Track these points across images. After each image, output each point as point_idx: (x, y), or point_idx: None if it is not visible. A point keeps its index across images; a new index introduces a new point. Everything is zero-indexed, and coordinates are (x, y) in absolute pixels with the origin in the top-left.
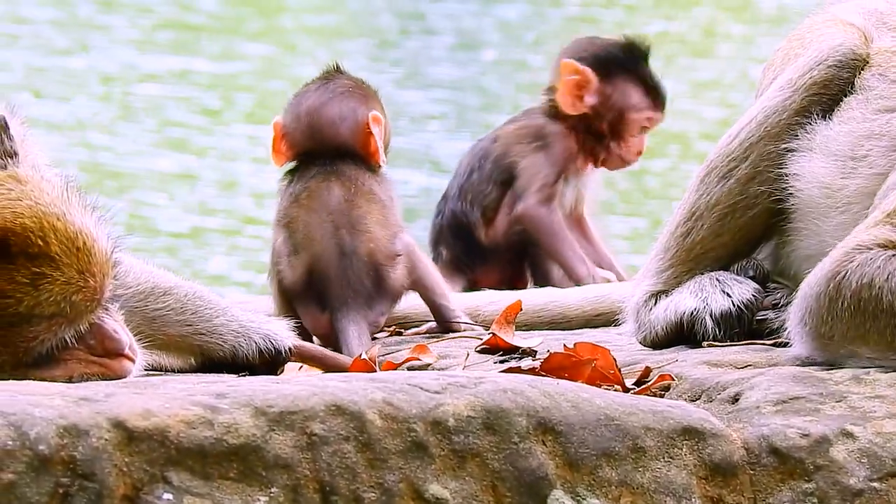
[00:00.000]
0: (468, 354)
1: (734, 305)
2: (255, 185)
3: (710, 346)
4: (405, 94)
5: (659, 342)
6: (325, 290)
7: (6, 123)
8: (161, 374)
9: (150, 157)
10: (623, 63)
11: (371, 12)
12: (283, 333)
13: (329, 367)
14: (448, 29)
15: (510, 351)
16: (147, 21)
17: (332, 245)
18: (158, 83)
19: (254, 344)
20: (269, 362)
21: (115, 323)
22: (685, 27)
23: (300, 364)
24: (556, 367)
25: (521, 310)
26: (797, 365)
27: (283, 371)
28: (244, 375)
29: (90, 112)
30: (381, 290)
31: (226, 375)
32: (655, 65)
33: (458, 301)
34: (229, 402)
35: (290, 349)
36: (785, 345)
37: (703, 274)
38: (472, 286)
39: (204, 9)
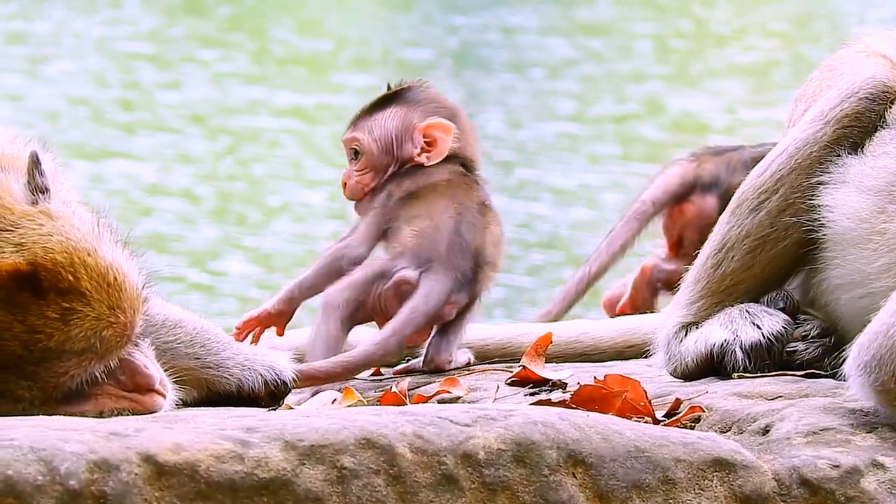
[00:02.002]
0: (498, 387)
1: (764, 337)
2: None
3: (740, 377)
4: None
5: (689, 374)
6: None
7: (37, 159)
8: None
9: (258, 189)
10: None
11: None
12: (285, 365)
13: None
14: (533, 60)
15: (540, 383)
16: (239, 54)
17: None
18: (254, 116)
19: (259, 376)
20: (274, 393)
21: (146, 358)
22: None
23: (333, 398)
24: (586, 399)
25: (552, 342)
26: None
27: (283, 404)
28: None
29: (195, 145)
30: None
31: (255, 409)
32: None
33: (490, 333)
34: (259, 436)
35: (292, 380)
36: (815, 376)
37: (733, 306)
38: None
39: (290, 42)
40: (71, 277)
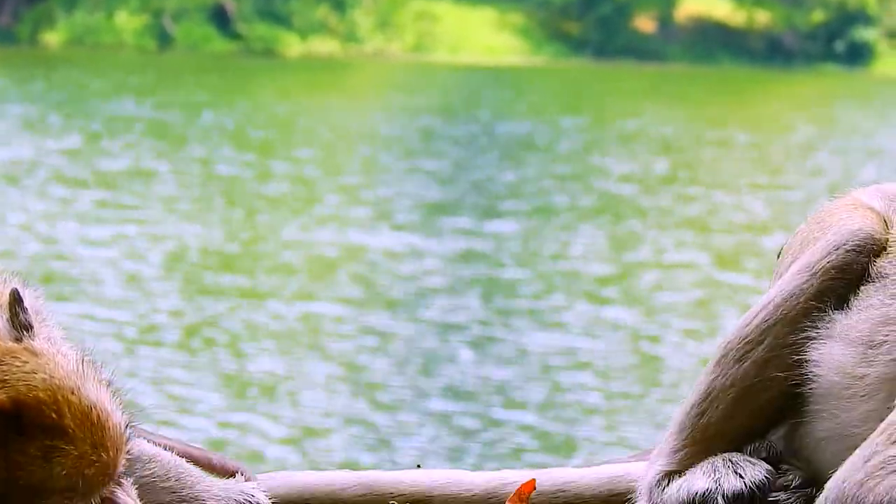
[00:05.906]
0: None
1: (746, 486)
2: None
3: None
4: None
5: None
6: None
7: (19, 296)
8: None
9: None
10: None
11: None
12: (258, 492)
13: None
14: None
15: None
16: None
17: None
18: None
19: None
20: None
21: (129, 498)
22: None
23: None
24: None
25: (535, 489)
26: None
27: None
28: None
29: None
30: None
31: None
32: None
33: (470, 480)
34: None
35: None
36: None
37: (716, 455)
38: None
39: None
40: (54, 415)
